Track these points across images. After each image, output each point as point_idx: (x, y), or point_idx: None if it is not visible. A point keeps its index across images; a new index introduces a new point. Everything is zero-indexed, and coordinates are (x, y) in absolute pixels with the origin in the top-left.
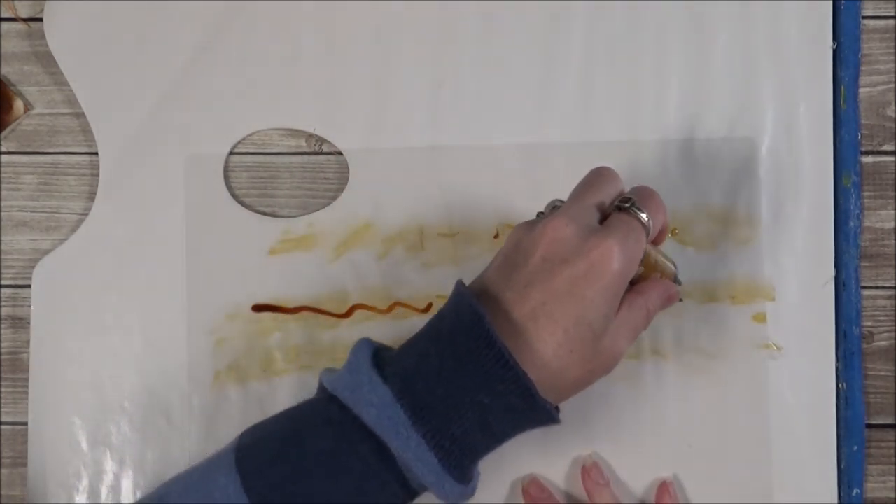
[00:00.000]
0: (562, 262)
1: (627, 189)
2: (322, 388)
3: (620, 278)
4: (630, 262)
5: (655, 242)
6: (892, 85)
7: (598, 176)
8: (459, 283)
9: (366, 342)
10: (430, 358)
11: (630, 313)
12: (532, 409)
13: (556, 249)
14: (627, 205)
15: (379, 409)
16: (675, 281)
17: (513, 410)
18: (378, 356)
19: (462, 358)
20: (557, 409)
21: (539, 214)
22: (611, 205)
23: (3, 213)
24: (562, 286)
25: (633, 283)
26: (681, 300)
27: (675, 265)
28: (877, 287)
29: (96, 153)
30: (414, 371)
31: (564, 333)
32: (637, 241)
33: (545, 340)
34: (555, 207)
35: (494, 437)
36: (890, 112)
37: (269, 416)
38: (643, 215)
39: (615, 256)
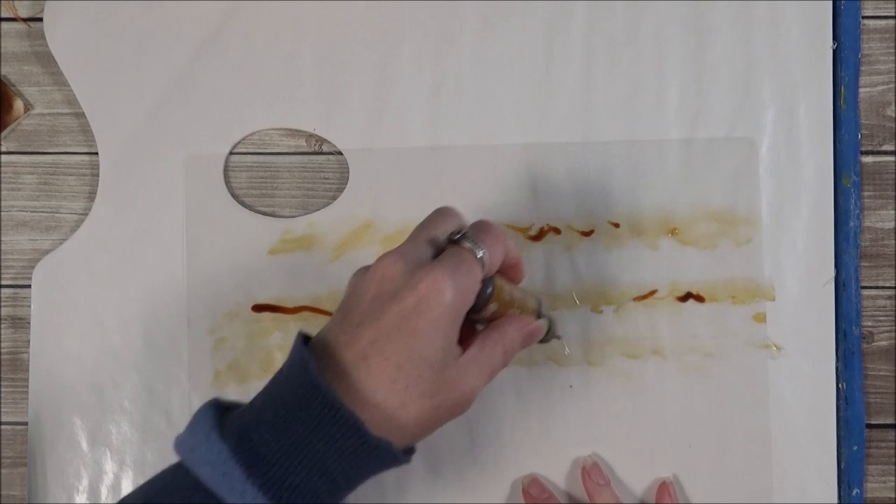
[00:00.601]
0: (391, 299)
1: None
2: None
3: (452, 309)
4: (462, 292)
5: (512, 279)
6: (892, 85)
7: (437, 214)
8: (298, 335)
9: (212, 403)
10: (266, 410)
11: (482, 350)
12: (369, 450)
13: (385, 287)
14: (457, 237)
15: (213, 466)
16: (540, 317)
17: (350, 453)
18: (223, 414)
19: (293, 406)
20: (412, 449)
21: None
22: (445, 240)
23: (3, 213)
24: (391, 322)
25: (491, 321)
26: (558, 337)
27: (538, 301)
28: (877, 287)
29: (96, 153)
30: (250, 425)
31: (397, 370)
32: (469, 271)
33: (377, 378)
34: None
35: (336, 483)
36: (890, 112)
37: None
38: (476, 248)
39: (444, 287)
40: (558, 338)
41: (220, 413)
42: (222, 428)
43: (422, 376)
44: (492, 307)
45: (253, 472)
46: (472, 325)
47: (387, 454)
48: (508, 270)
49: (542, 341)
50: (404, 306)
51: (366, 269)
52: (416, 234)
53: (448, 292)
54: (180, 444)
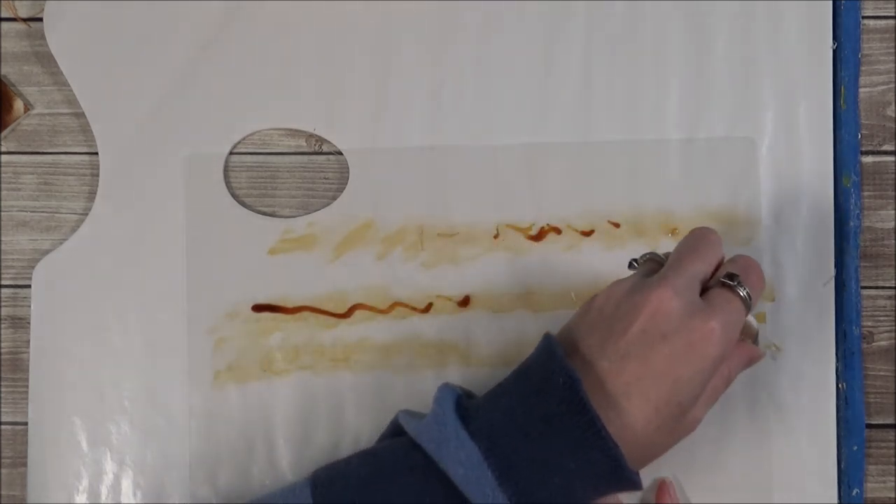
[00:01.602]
0: (662, 338)
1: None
2: (398, 429)
3: (718, 361)
4: (728, 343)
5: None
6: (892, 85)
7: (703, 241)
8: (549, 337)
9: (448, 390)
10: (517, 416)
11: (714, 381)
12: (619, 480)
13: (657, 322)
14: (733, 283)
15: (466, 467)
16: (755, 339)
17: (599, 478)
18: (461, 405)
19: (551, 420)
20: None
21: (631, 263)
22: (713, 277)
23: (3, 213)
24: (659, 364)
25: None
26: (778, 349)
27: (756, 324)
28: (877, 287)
29: (96, 153)
30: (501, 429)
31: (655, 412)
32: (738, 322)
33: (635, 416)
34: (649, 260)
35: (576, 502)
36: (890, 112)
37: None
38: (747, 294)
39: (716, 340)
40: (778, 349)
41: (461, 404)
42: (469, 423)
43: (673, 418)
44: None
45: (504, 480)
46: None
47: (632, 484)
48: None
49: None
50: (674, 350)
51: (632, 286)
52: (686, 263)
53: (718, 345)
54: (423, 432)
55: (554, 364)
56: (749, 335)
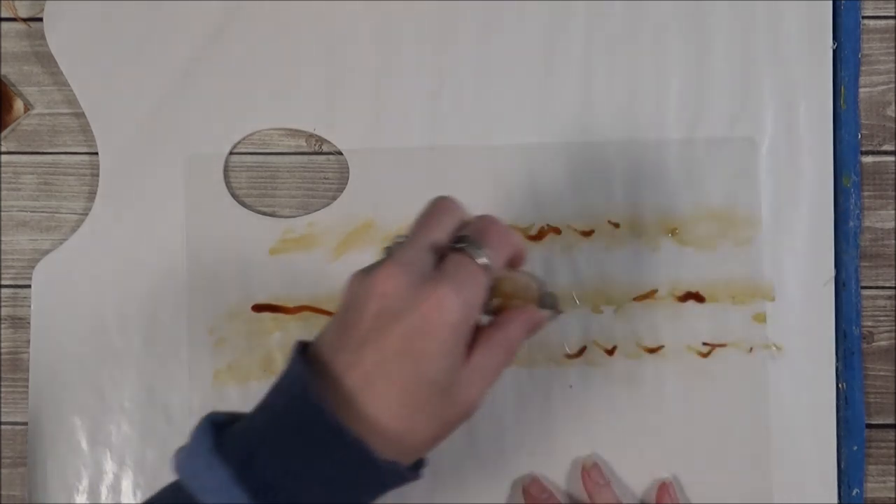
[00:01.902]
0: (394, 318)
1: (472, 215)
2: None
3: (458, 328)
4: (468, 308)
5: (513, 265)
6: (892, 85)
7: (436, 208)
8: (296, 346)
9: (207, 420)
10: (268, 432)
11: (486, 356)
12: (378, 474)
13: (387, 304)
14: (462, 245)
15: (218, 493)
16: (545, 298)
17: (358, 478)
18: (222, 431)
19: (298, 429)
20: (422, 462)
21: (386, 249)
22: (448, 243)
23: (3, 213)
24: (396, 343)
25: (495, 314)
26: (561, 311)
27: (540, 282)
28: (877, 287)
29: (96, 153)
30: (253, 449)
31: (404, 394)
32: (474, 283)
33: (383, 403)
34: (397, 244)
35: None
36: (890, 112)
37: None
38: (480, 256)
39: (450, 305)
40: (560, 313)
41: (218, 431)
42: (223, 448)
43: (430, 399)
44: (494, 302)
45: (260, 500)
46: (485, 330)
47: (396, 475)
48: (511, 261)
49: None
50: (409, 327)
51: (364, 273)
52: (416, 235)
53: (454, 311)
54: (181, 466)
55: (293, 373)
56: (528, 298)
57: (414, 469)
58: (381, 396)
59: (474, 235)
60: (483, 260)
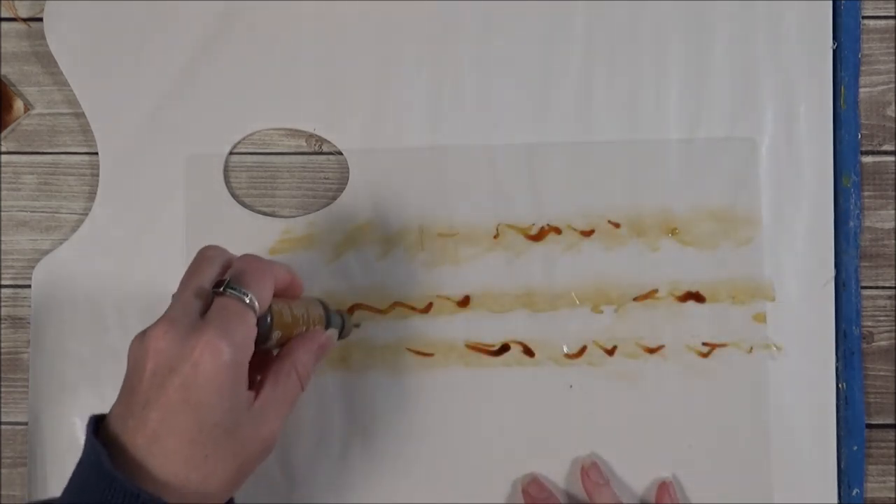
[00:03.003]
0: (170, 373)
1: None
2: None
3: (232, 370)
4: (237, 348)
5: (291, 296)
6: (892, 85)
7: (198, 259)
8: (89, 421)
9: None
10: None
11: (275, 388)
12: None
13: (161, 361)
14: (221, 289)
15: None
16: (332, 319)
17: None
18: None
19: (96, 502)
20: (231, 501)
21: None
22: (211, 289)
23: (3, 213)
24: (175, 397)
25: (282, 346)
26: (356, 326)
27: (323, 305)
28: (877, 287)
29: (96, 153)
30: None
31: (192, 445)
32: (241, 322)
33: (173, 458)
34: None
35: None
36: (890, 112)
37: None
38: (243, 294)
39: (218, 349)
40: (356, 326)
41: None
42: None
43: (218, 443)
44: (275, 335)
45: None
46: (261, 355)
47: None
48: (284, 291)
49: (341, 337)
50: (183, 378)
51: (140, 336)
52: (182, 287)
53: (224, 353)
54: None
55: (87, 447)
56: (312, 322)
57: None
58: (169, 451)
59: (235, 276)
60: (247, 298)
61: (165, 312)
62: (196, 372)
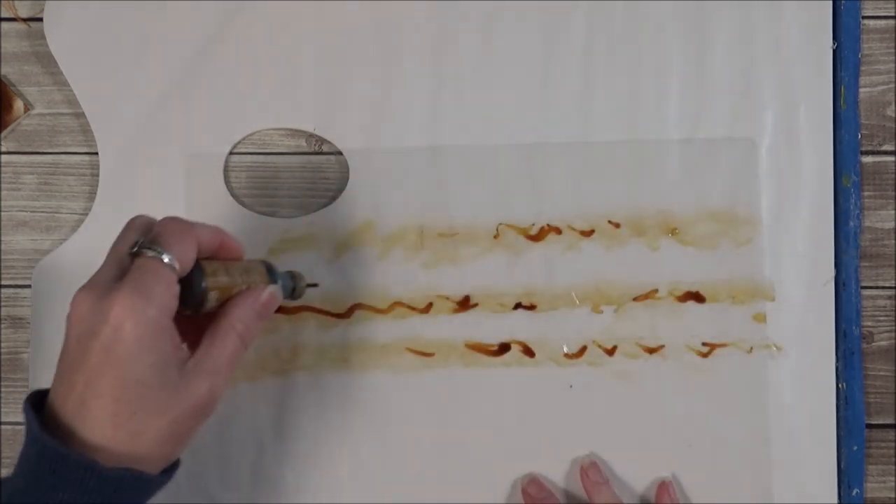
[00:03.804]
0: (91, 336)
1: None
2: None
3: (152, 323)
4: (156, 304)
5: (230, 256)
6: (892, 85)
7: (124, 228)
8: (28, 396)
9: None
10: (17, 480)
11: (212, 344)
12: (113, 485)
13: (83, 326)
14: (135, 249)
15: None
16: (280, 278)
17: (101, 494)
18: None
19: (34, 467)
20: (175, 464)
21: None
22: (128, 255)
23: (3, 213)
24: (98, 359)
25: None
26: (314, 285)
27: (266, 265)
28: (877, 287)
29: (96, 153)
30: (15, 492)
31: (116, 403)
32: (157, 279)
33: (100, 418)
34: None
35: None
36: (890, 112)
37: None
38: (159, 253)
39: (133, 306)
40: (314, 285)
41: None
42: None
43: (143, 399)
44: (212, 297)
45: None
46: (207, 317)
47: (136, 482)
48: (220, 252)
49: (294, 298)
50: (104, 339)
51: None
52: (107, 256)
53: (141, 311)
54: None
55: (25, 419)
56: (253, 281)
57: (165, 473)
58: (96, 411)
59: (153, 238)
60: (165, 257)
61: (88, 280)
62: (115, 332)
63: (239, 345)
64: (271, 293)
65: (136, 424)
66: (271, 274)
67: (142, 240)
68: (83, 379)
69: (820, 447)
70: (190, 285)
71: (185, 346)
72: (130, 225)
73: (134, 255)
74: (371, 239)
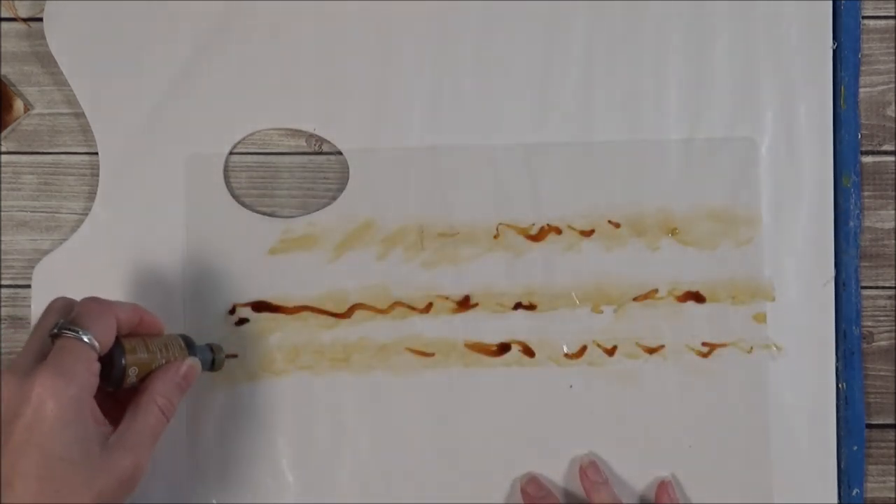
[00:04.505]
0: (14, 418)
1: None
2: None
3: (73, 402)
4: (76, 383)
5: (151, 332)
6: (892, 85)
7: (45, 311)
8: None
9: None
10: None
11: (134, 419)
12: None
13: (7, 408)
14: (56, 330)
15: None
16: (199, 352)
17: None
18: None
19: None
20: None
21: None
22: (48, 337)
23: (3, 213)
24: (20, 440)
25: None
26: (234, 356)
27: (184, 339)
28: (877, 287)
29: (96, 153)
30: None
31: (39, 482)
32: (77, 358)
33: (25, 497)
34: None
35: None
36: (890, 112)
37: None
38: (78, 334)
39: (54, 386)
40: (234, 356)
41: None
42: None
43: (67, 476)
44: (133, 373)
45: None
46: (128, 393)
47: None
48: (140, 328)
49: (214, 370)
50: (26, 420)
51: None
52: (28, 339)
53: (61, 390)
54: None
55: None
56: (174, 356)
57: None
58: (20, 491)
59: (73, 318)
60: (85, 337)
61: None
62: (37, 411)
63: (161, 418)
64: (190, 366)
65: (61, 501)
66: (190, 348)
67: (62, 321)
68: (8, 460)
69: (820, 447)
70: (110, 362)
71: (107, 421)
72: (51, 307)
73: (54, 337)
74: (371, 239)
